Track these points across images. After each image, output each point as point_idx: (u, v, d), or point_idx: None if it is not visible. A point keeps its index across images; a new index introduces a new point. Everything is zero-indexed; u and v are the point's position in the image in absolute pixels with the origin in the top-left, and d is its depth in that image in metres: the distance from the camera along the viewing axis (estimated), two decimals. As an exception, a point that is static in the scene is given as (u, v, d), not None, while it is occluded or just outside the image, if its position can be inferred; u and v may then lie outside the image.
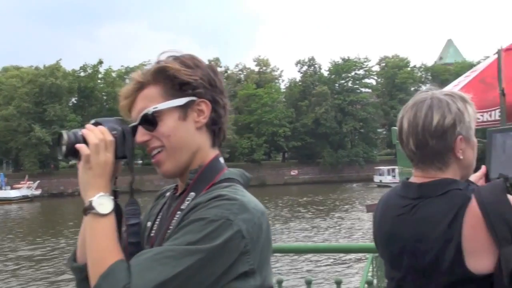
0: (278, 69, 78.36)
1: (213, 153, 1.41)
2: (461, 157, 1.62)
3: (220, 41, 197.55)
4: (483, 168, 1.97)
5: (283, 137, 67.68)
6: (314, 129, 68.99)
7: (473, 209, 1.50)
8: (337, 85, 72.96)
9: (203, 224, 1.19)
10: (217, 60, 74.36)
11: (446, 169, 1.63)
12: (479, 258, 1.48)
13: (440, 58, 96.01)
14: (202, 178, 1.36)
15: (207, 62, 1.43)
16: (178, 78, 1.35)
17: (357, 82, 73.81)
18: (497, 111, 7.17)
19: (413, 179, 1.69)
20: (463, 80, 10.21)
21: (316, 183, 62.80)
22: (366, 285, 3.08)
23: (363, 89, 74.26)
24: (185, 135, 1.36)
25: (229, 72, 75.47)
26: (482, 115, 8.34)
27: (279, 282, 3.20)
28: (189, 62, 1.38)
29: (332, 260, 15.92)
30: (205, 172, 1.37)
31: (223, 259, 1.19)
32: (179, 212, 1.31)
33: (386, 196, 1.78)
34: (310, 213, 33.32)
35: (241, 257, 1.21)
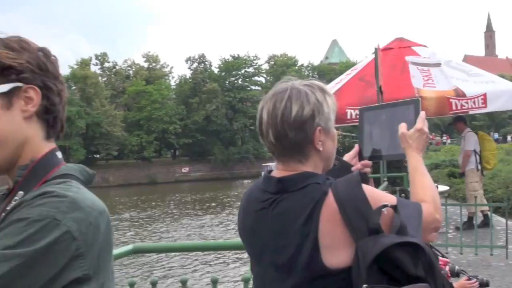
0: (168, 65, 77.36)
1: (47, 146, 1.25)
2: (321, 148, 1.58)
3: (110, 37, 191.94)
4: (356, 147, 1.96)
5: (173, 134, 67.02)
6: (205, 126, 68.91)
7: (329, 204, 1.46)
8: (227, 82, 73.29)
9: (24, 225, 1.04)
10: (104, 55, 72.22)
11: (306, 161, 1.58)
12: (336, 253, 1.45)
13: (326, 57, 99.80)
14: (33, 175, 1.19)
15: (93, 58, 1.25)
16: None
17: (247, 79, 74.62)
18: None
19: (274, 172, 1.64)
20: (344, 78, 10.62)
21: (207, 180, 62.75)
22: (243, 283, 3.01)
23: (253, 87, 75.15)
24: (9, 126, 1.18)
25: (117, 67, 73.49)
26: (361, 112, 8.68)
27: (153, 284, 3.04)
28: (14, 44, 1.21)
29: (218, 258, 15.88)
30: (37, 167, 1.20)
31: (48, 264, 1.04)
32: (4, 214, 1.13)
33: (249, 190, 1.71)
34: (200, 210, 33.19)
35: (73, 261, 1.07)
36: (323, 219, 1.45)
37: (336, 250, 1.45)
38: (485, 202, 9.84)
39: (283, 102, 1.56)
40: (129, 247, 2.96)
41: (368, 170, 1.90)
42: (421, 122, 1.78)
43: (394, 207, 1.46)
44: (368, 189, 1.50)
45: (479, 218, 9.34)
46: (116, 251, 2.90)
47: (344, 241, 1.44)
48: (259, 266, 1.63)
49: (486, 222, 9.40)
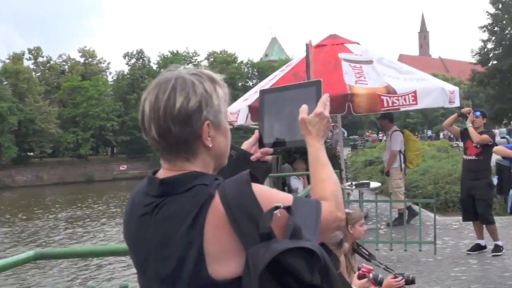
0: (105, 61, 75.19)
1: None
2: (210, 145, 1.41)
3: (44, 31, 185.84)
4: (256, 133, 1.78)
5: (111, 131, 65.56)
6: (143, 123, 67.83)
7: (215, 207, 1.29)
8: (166, 78, 72.51)
9: None
10: (38, 49, 69.86)
11: (194, 159, 1.41)
12: (224, 262, 1.28)
13: (266, 55, 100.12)
14: None
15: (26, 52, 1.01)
16: None
17: (187, 76, 74.08)
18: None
19: (159, 173, 1.46)
20: (278, 74, 10.56)
21: (146, 178, 61.73)
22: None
23: (193, 83, 74.69)
24: None
25: (51, 62, 71.23)
26: (294, 108, 8.64)
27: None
28: None
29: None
30: None
31: None
32: None
33: (135, 193, 1.52)
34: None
35: None
36: (208, 225, 1.28)
37: (224, 260, 1.28)
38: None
39: (166, 93, 1.38)
40: (30, 253, 2.71)
41: (269, 158, 1.72)
42: (322, 106, 1.59)
43: (288, 208, 1.31)
44: (260, 189, 1.34)
45: (394, 213, 9.55)
46: (14, 257, 2.65)
47: (233, 249, 1.28)
48: (144, 278, 1.44)
49: (412, 214, 9.58)
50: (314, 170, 1.57)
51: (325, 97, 1.62)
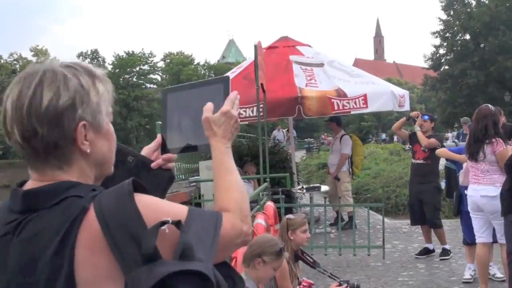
0: (58, 60, 73.66)
1: None
2: (88, 150, 1.19)
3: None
4: (158, 137, 1.59)
5: (65, 132, 64.31)
6: (98, 125, 66.74)
7: (89, 224, 1.08)
8: (121, 79, 71.36)
9: None
10: (-12, 48, 67.93)
11: (68, 168, 1.19)
12: None
13: (223, 57, 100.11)
14: None
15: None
16: None
17: (142, 77, 73.11)
18: (260, 106, 7.28)
19: (27, 184, 1.22)
20: (229, 75, 10.43)
21: (99, 180, 60.66)
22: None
23: (148, 85, 73.79)
24: None
25: (2, 61, 69.29)
26: (245, 111, 8.48)
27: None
28: None
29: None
30: None
31: None
32: None
33: None
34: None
35: None
36: (80, 245, 1.07)
37: (100, 287, 1.08)
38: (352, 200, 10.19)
39: (31, 88, 1.16)
40: None
41: (171, 165, 1.53)
42: (229, 104, 1.42)
43: (178, 223, 1.11)
44: (145, 201, 1.13)
45: (345, 217, 9.59)
46: None
47: (110, 273, 1.08)
48: None
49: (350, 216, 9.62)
50: (218, 176, 1.38)
51: (233, 95, 1.45)
